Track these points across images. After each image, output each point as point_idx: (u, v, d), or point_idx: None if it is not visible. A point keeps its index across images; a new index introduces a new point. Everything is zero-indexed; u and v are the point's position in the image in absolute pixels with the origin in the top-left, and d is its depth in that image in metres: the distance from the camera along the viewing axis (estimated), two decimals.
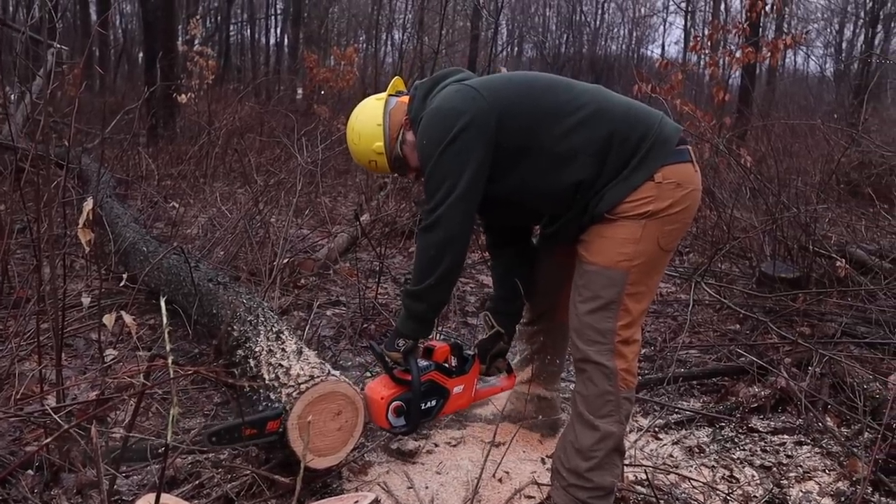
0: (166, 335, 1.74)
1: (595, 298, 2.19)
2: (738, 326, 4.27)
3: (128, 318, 2.05)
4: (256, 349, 2.62)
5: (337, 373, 2.43)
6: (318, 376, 2.33)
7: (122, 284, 2.71)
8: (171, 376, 1.64)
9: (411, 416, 2.35)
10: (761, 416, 3.25)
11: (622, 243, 2.15)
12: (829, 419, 3.17)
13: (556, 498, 2.30)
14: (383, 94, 2.44)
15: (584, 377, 2.25)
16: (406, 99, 2.40)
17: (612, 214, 2.16)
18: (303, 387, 2.27)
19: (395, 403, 2.31)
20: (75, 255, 4.19)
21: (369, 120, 2.39)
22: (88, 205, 2.03)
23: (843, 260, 4.63)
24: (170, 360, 1.68)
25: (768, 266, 4.59)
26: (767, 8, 8.81)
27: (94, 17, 20.08)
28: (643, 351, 3.90)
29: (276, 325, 2.82)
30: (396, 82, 2.53)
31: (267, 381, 2.40)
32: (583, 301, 2.22)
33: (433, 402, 2.41)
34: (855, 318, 4.10)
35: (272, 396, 2.34)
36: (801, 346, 3.60)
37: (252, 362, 2.57)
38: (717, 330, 4.19)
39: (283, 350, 2.54)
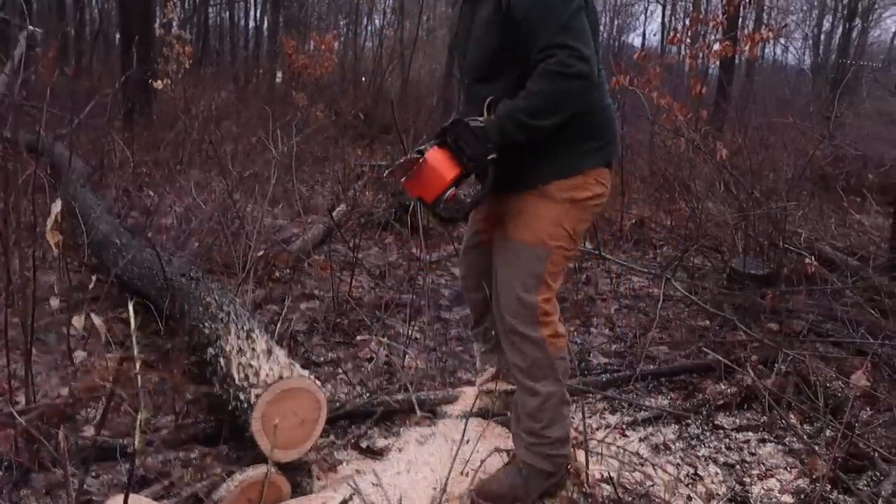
0: (134, 340, 1.75)
1: (520, 272, 2.33)
2: (708, 322, 4.33)
3: (97, 320, 2.05)
4: (227, 348, 2.62)
5: (305, 372, 2.45)
6: (286, 377, 2.35)
7: (94, 278, 2.70)
8: (140, 383, 1.66)
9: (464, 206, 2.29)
10: (727, 413, 3.31)
11: (549, 224, 2.30)
12: (792, 417, 3.24)
13: (522, 456, 2.48)
14: None
15: (514, 348, 2.40)
16: None
17: (540, 190, 2.30)
18: (261, 391, 2.30)
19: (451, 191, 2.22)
20: (46, 247, 4.15)
21: None
22: (57, 207, 2.03)
23: (812, 257, 4.70)
24: (138, 367, 1.70)
25: (739, 262, 4.66)
26: (746, 2, 8.85)
27: None
28: (613, 347, 3.96)
29: (247, 322, 2.82)
30: None
31: (237, 382, 2.41)
32: (506, 275, 2.36)
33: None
34: (821, 315, 4.17)
35: (241, 397, 2.36)
36: (767, 344, 3.67)
37: (222, 361, 2.58)
38: (686, 326, 4.25)
39: (254, 350, 2.55)
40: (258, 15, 25.56)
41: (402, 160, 2.27)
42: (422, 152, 2.25)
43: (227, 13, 26.17)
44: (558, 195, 2.28)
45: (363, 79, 14.11)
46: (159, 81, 9.05)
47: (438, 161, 2.23)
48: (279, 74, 16.99)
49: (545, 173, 2.29)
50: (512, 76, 2.21)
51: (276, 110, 9.72)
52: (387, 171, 2.32)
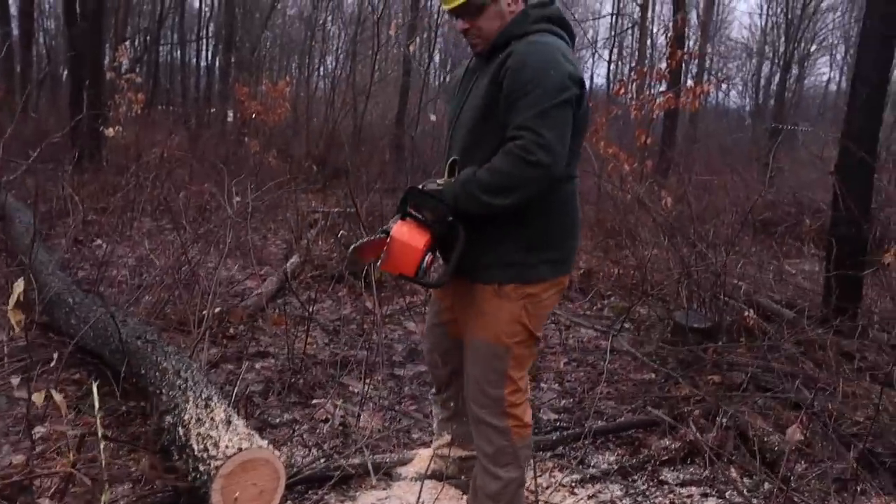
0: (98, 423, 1.80)
1: (484, 370, 2.41)
2: (653, 375, 4.48)
3: (57, 397, 2.09)
4: (185, 417, 2.66)
5: (264, 442, 2.50)
6: (245, 448, 2.40)
7: (56, 355, 2.72)
8: (103, 464, 1.71)
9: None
10: (672, 468, 3.43)
11: (505, 322, 2.36)
12: (733, 471, 3.38)
13: None
14: None
15: (481, 435, 2.49)
16: None
17: (496, 289, 2.35)
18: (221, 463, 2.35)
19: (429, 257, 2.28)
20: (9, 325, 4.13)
21: None
22: (19, 286, 2.07)
23: (751, 310, 4.92)
24: (102, 448, 1.75)
25: (681, 316, 4.83)
26: (686, 57, 9.24)
27: (15, 32, 19.55)
28: (562, 402, 4.07)
29: (205, 389, 2.86)
30: None
31: (196, 453, 2.45)
32: (473, 371, 2.45)
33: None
34: (760, 368, 4.35)
35: (201, 468, 2.40)
36: (708, 399, 3.82)
37: (181, 430, 2.62)
38: (633, 380, 4.39)
39: (212, 419, 2.60)
40: (209, 55, 25.58)
41: (365, 240, 2.35)
42: (387, 231, 2.32)
43: (179, 52, 26.13)
44: (514, 294, 2.34)
45: (314, 119, 14.23)
46: (110, 129, 9.01)
47: (405, 234, 2.28)
48: (230, 114, 17.01)
49: (503, 274, 2.34)
50: (491, 148, 2.24)
51: (229, 157, 9.79)
52: (350, 250, 2.38)
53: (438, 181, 2.36)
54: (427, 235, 2.27)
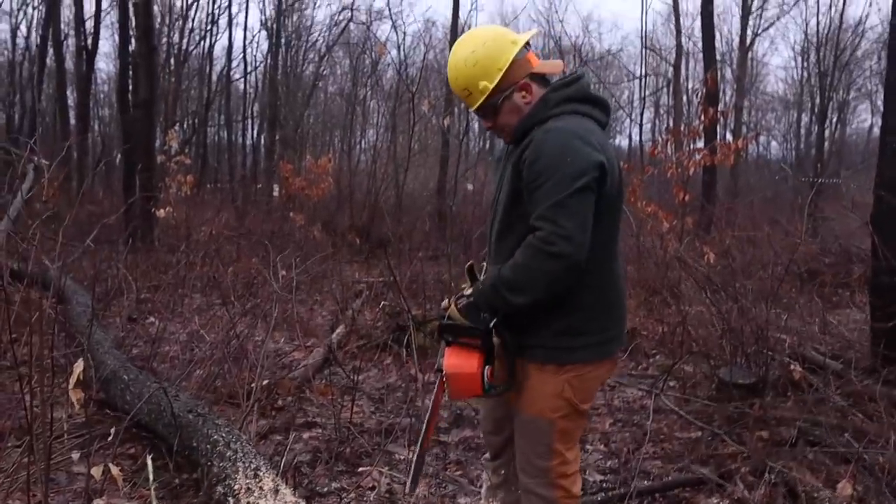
0: (154, 496, 1.90)
1: (529, 442, 2.42)
2: (699, 433, 4.45)
3: (114, 470, 2.20)
4: (235, 487, 2.76)
5: None
6: None
7: (113, 430, 2.85)
8: None
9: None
10: None
11: (549, 397, 2.34)
12: None
13: None
14: (520, 39, 2.33)
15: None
16: (533, 58, 2.35)
17: (540, 367, 2.35)
18: None
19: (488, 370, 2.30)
20: (58, 386, 4.32)
21: (493, 60, 2.29)
22: (79, 366, 2.21)
23: (797, 363, 4.87)
24: None
25: (725, 373, 4.81)
26: (720, 115, 9.32)
27: (72, 120, 20.58)
28: (608, 463, 4.07)
29: (253, 460, 2.97)
30: (536, 34, 2.48)
31: None
32: (521, 442, 2.46)
33: None
34: (808, 422, 4.30)
35: None
36: (754, 456, 3.79)
37: (231, 500, 2.72)
38: (678, 438, 4.36)
39: (261, 489, 2.69)
40: (255, 134, 26.46)
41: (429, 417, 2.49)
42: (440, 368, 2.38)
43: (226, 132, 27.08)
44: (556, 371, 2.34)
45: (356, 192, 14.59)
46: (161, 210, 9.41)
47: (454, 365, 2.32)
48: (276, 188, 17.52)
49: (544, 355, 2.34)
50: (521, 234, 2.21)
51: (275, 233, 10.09)
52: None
53: (466, 292, 2.39)
54: (475, 355, 2.30)
